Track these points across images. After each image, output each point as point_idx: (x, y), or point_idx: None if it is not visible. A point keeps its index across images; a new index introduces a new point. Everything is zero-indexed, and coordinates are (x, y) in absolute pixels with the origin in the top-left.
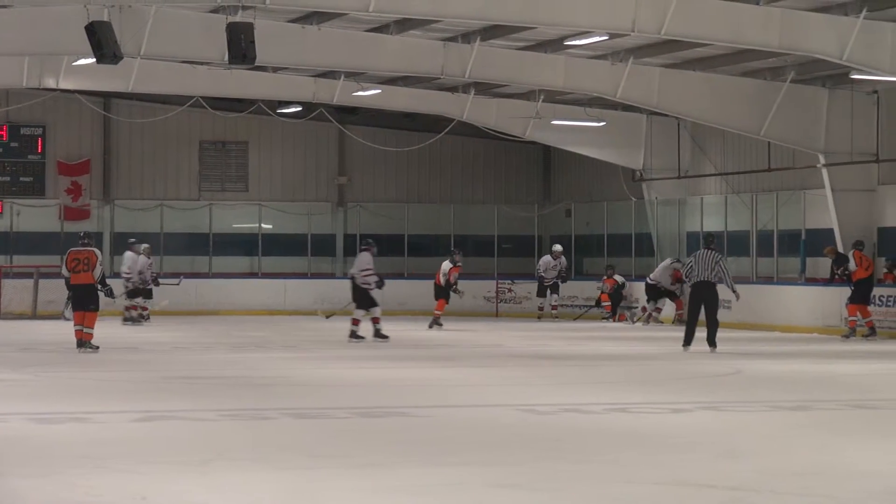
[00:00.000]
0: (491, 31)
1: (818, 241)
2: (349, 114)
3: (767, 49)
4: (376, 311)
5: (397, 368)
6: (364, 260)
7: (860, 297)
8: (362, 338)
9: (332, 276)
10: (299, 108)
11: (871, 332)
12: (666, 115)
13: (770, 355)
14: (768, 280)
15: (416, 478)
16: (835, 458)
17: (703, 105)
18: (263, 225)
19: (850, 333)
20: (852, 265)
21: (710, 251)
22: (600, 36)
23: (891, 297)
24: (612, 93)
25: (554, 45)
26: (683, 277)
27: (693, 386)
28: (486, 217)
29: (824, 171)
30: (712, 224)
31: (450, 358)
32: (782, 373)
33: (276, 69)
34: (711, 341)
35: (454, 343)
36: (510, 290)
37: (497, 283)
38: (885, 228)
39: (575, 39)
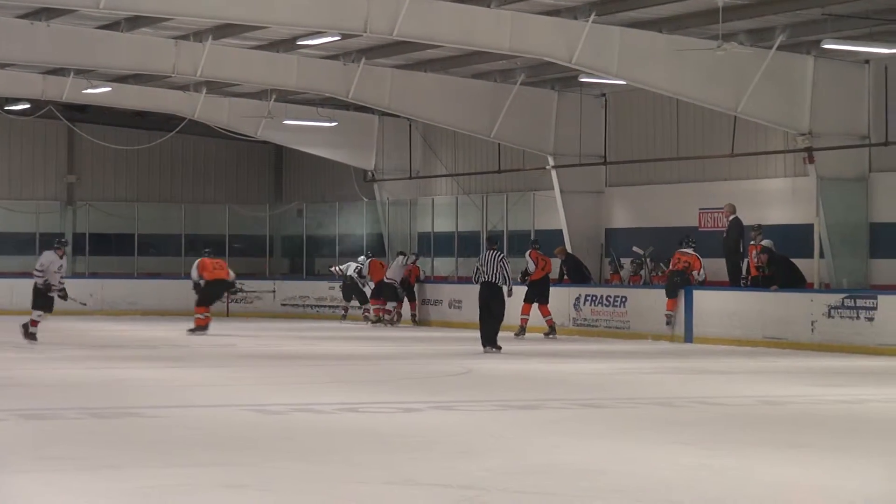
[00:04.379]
0: (223, 30)
1: (548, 242)
2: (79, 111)
3: (498, 51)
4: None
5: (128, 368)
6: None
7: (538, 296)
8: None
9: None
10: (27, 106)
11: (551, 331)
12: (398, 116)
13: (500, 355)
14: None
15: (147, 479)
16: (565, 457)
17: (435, 106)
18: None
19: (521, 332)
20: (531, 266)
21: (493, 252)
22: (332, 36)
23: (618, 297)
24: (344, 93)
25: (286, 44)
26: (473, 279)
27: (425, 385)
28: (218, 217)
29: (553, 173)
30: (443, 225)
31: (181, 358)
32: (513, 372)
33: (3, 65)
34: (494, 341)
35: (185, 343)
36: (241, 290)
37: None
38: (613, 229)
39: (307, 39)
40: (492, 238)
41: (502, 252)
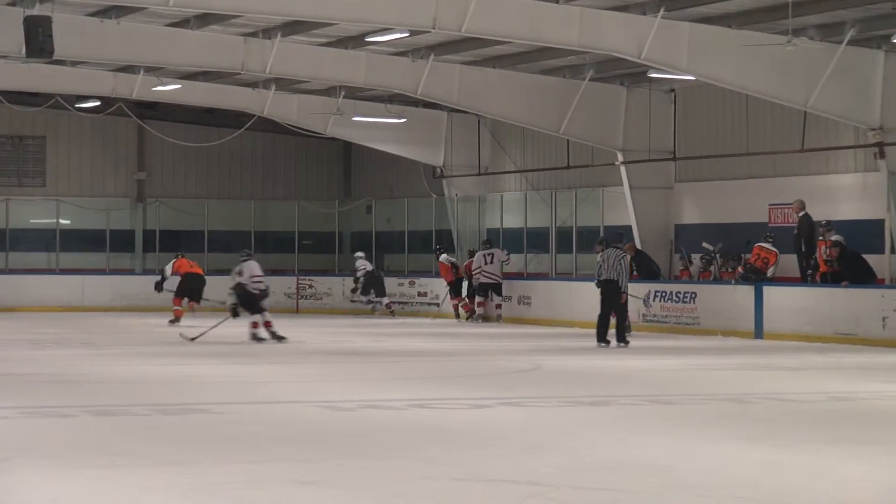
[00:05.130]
0: (291, 27)
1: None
2: (149, 109)
3: (566, 47)
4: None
5: (197, 365)
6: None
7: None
8: (264, 339)
9: (130, 272)
10: (98, 103)
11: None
12: (466, 112)
13: (569, 351)
14: (567, 276)
15: (216, 475)
16: (633, 453)
17: (503, 102)
18: (61, 220)
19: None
20: None
21: (616, 250)
22: (401, 33)
23: (688, 293)
24: (412, 89)
25: (355, 41)
26: (595, 276)
27: (493, 382)
28: (287, 213)
29: (622, 169)
30: (512, 221)
31: (250, 354)
32: (581, 368)
33: (74, 63)
34: (622, 337)
35: (253, 340)
36: (311, 286)
37: (298, 280)
38: (682, 225)
39: (375, 36)
40: (617, 236)
41: (624, 252)
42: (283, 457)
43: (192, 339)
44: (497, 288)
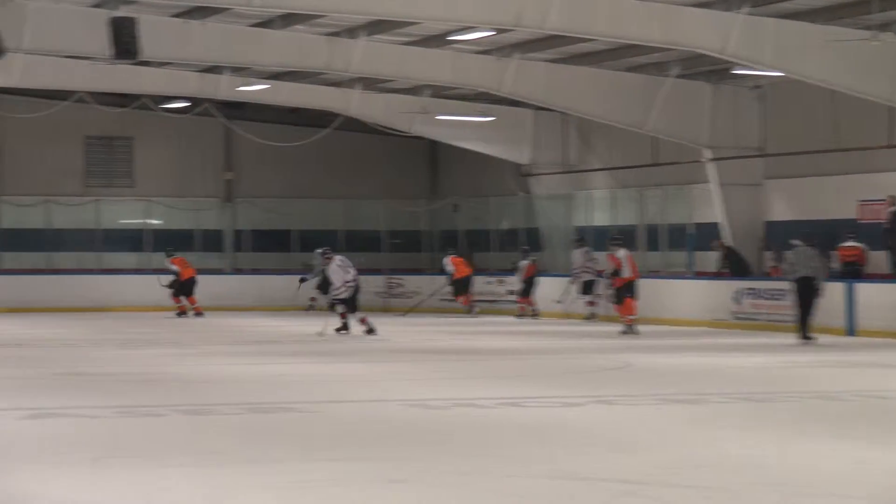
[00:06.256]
0: (376, 26)
1: (706, 235)
2: (235, 109)
3: (650, 44)
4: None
5: (285, 364)
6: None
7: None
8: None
9: (220, 271)
10: (185, 104)
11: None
12: (552, 110)
13: (659, 349)
14: (656, 274)
15: (305, 473)
16: (726, 451)
17: (589, 100)
18: (151, 220)
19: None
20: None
21: (809, 247)
22: (485, 31)
23: (779, 290)
24: (497, 87)
25: (439, 40)
26: (786, 275)
27: (584, 380)
28: (374, 212)
29: (710, 166)
30: (600, 219)
31: (337, 353)
32: (671, 366)
33: (160, 64)
34: (808, 333)
35: (343, 338)
36: (400, 285)
37: (387, 279)
38: (772, 222)
39: (460, 34)
40: (809, 233)
41: (814, 248)
42: (373, 455)
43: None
44: (595, 284)
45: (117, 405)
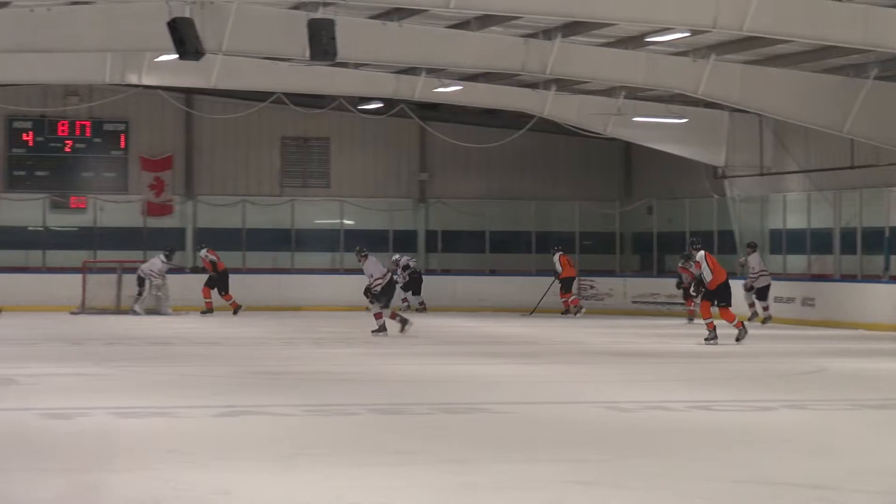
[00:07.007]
0: (572, 28)
1: None
2: (430, 110)
3: (850, 46)
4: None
5: (478, 365)
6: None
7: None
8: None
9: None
10: (380, 105)
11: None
12: (748, 112)
13: (854, 353)
14: (852, 278)
15: (498, 474)
16: None
17: (786, 102)
18: (345, 221)
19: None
20: (706, 273)
21: None
22: (682, 32)
23: None
24: (693, 89)
25: (635, 41)
26: None
27: (776, 384)
28: (568, 214)
29: None
30: (795, 222)
31: (530, 355)
32: (867, 371)
33: (357, 65)
34: None
35: (534, 340)
36: (592, 287)
37: (579, 280)
38: None
39: (656, 36)
40: None
41: None
42: (564, 456)
43: None
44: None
45: (310, 403)
